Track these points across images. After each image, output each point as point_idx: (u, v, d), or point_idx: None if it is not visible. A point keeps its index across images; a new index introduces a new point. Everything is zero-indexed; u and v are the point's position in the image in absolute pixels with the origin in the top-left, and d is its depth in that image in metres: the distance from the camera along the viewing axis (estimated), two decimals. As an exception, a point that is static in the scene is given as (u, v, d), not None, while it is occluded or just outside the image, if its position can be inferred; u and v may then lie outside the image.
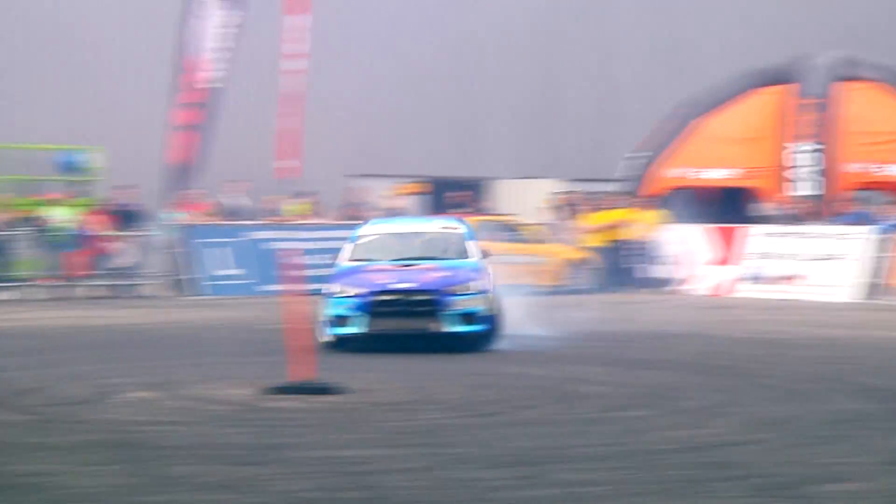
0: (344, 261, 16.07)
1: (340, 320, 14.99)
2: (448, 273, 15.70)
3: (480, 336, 15.38)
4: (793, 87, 29.49)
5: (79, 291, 24.41)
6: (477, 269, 15.98)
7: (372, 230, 16.95)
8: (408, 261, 15.81)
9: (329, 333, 15.09)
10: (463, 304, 15.29)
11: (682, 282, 27.15)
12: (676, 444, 9.25)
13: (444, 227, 17.22)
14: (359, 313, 14.89)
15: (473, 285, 15.53)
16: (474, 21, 36.20)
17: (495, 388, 12.15)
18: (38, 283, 24.00)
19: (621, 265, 27.40)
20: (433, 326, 15.22)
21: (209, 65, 25.52)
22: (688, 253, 27.36)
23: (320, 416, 10.44)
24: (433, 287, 15.32)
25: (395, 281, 15.36)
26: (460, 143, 35.95)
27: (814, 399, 11.59)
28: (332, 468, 8.30)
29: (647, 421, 10.39)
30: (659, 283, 27.10)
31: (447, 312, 15.17)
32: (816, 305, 23.68)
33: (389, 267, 15.68)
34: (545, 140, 37.45)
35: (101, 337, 17.44)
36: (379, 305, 15.00)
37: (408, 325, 15.13)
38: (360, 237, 16.52)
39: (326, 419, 10.31)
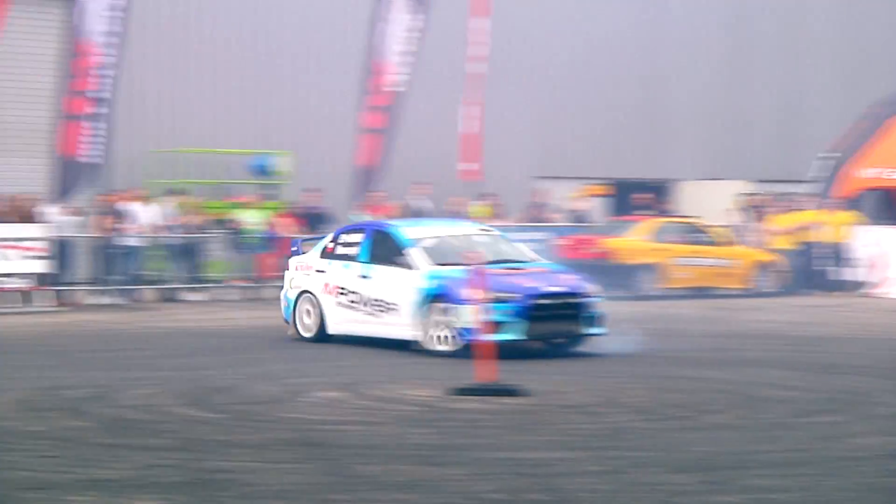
0: (423, 262, 15.36)
1: (496, 326, 14.31)
2: (571, 276, 15.79)
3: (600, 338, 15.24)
4: None
5: (268, 293, 24.95)
6: (567, 272, 16.03)
7: (422, 233, 16.09)
8: (505, 265, 15.48)
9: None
10: (596, 306, 15.32)
11: (875, 285, 26.42)
12: (870, 452, 9.00)
13: (482, 231, 17.14)
14: (517, 319, 14.63)
15: (592, 288, 15.48)
16: (660, 21, 35.84)
17: (679, 392, 12.00)
18: (229, 284, 24.62)
19: (811, 268, 26.80)
20: (575, 329, 15.23)
21: (394, 68, 25.84)
22: (881, 255, 26.61)
23: (504, 418, 10.46)
24: (577, 290, 15.34)
25: (543, 285, 15.16)
26: (645, 145, 35.63)
27: None
28: (515, 470, 8.30)
29: (838, 427, 10.13)
30: (851, 287, 26.43)
31: (586, 315, 15.14)
32: None
33: (504, 271, 15.35)
34: (732, 140, 36.87)
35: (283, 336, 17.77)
36: (537, 310, 14.87)
37: (558, 328, 15.09)
38: (419, 240, 15.71)
39: (510, 421, 10.33)
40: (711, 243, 26.12)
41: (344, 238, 16.70)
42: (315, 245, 17.25)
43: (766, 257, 26.63)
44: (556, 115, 34.08)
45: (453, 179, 28.64)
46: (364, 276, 15.97)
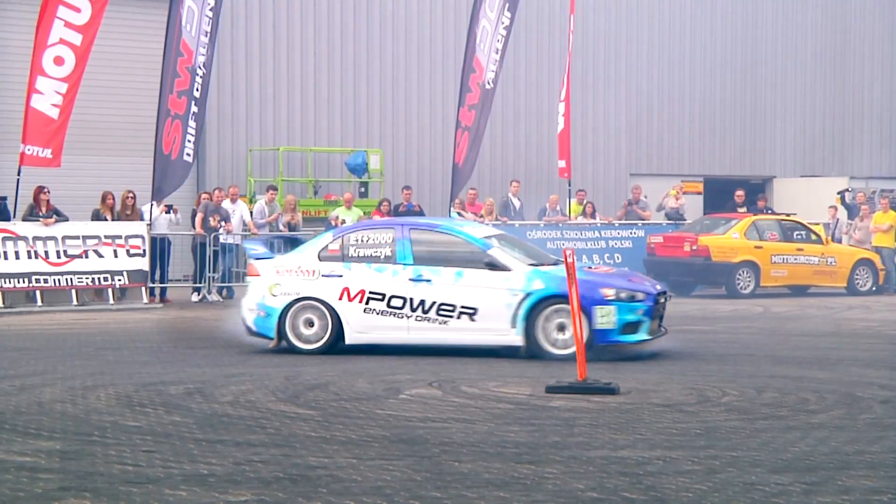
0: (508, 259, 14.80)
1: (630, 327, 14.35)
2: (638, 275, 16.12)
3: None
4: None
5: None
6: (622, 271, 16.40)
7: (481, 231, 15.53)
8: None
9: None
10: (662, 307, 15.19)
11: (979, 283, 25.89)
12: (974, 454, 8.82)
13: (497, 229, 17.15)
14: (647, 318, 14.51)
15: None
16: (757, 14, 35.45)
17: (776, 391, 11.85)
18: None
19: (914, 266, 26.35)
20: (660, 327, 15.16)
21: (485, 66, 25.88)
22: None
23: (600, 416, 10.41)
24: (664, 289, 15.36)
25: (650, 284, 15.17)
26: (742, 141, 35.29)
27: None
28: (611, 468, 8.26)
29: (941, 428, 9.94)
30: (954, 285, 25.94)
31: (658, 314, 15.02)
32: None
33: (604, 270, 15.71)
34: (831, 136, 36.38)
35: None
36: (657, 309, 14.84)
37: (652, 327, 14.87)
38: (488, 238, 15.09)
39: (606, 419, 10.28)
40: (809, 241, 25.78)
41: (354, 238, 15.14)
42: (294, 248, 15.77)
43: (866, 255, 26.20)
44: (651, 111, 33.88)
45: (542, 177, 28.61)
46: (418, 280, 14.74)
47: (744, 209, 27.55)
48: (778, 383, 12.35)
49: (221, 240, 23.36)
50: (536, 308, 14.41)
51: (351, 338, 14.86)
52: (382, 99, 30.42)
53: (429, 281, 14.72)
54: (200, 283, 23.24)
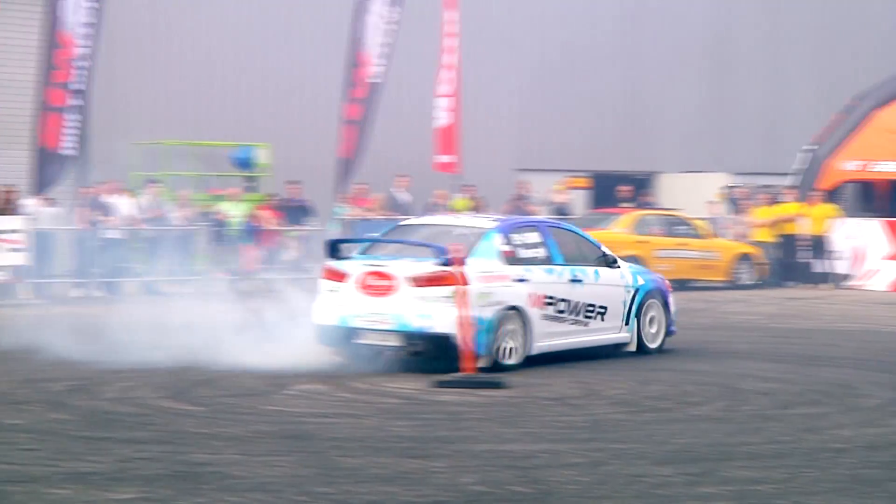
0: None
1: None
2: None
3: None
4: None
5: (252, 285, 24.90)
6: None
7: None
8: None
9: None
10: None
11: (857, 277, 26.50)
12: (851, 443, 9.03)
13: None
14: None
15: None
16: (642, 14, 35.88)
17: (660, 384, 12.02)
18: (214, 276, 24.55)
19: (793, 260, 26.87)
20: None
21: (373, 60, 25.84)
22: (863, 248, 26.69)
23: (488, 410, 10.47)
24: None
25: None
26: (626, 137, 35.67)
27: None
28: (498, 462, 8.31)
29: (821, 419, 10.16)
30: (833, 279, 26.50)
31: None
32: None
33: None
34: (714, 133, 36.94)
35: (272, 330, 17.71)
36: None
37: None
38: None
39: (494, 413, 10.33)
40: (693, 236, 26.16)
41: (516, 238, 13.84)
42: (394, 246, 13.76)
43: (747, 250, 26.68)
44: (537, 107, 34.10)
45: (431, 172, 28.66)
46: (575, 280, 13.90)
47: (628, 204, 27.86)
48: (662, 376, 12.52)
49: (105, 235, 23.02)
50: (642, 303, 14.52)
51: (534, 348, 13.41)
52: (269, 92, 30.18)
53: (581, 281, 14.02)
54: (83, 278, 22.86)
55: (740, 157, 36.62)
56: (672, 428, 9.67)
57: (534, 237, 13.96)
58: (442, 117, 27.28)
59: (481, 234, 13.62)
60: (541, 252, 13.85)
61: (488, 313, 12.82)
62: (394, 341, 12.81)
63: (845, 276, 26.62)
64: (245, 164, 27.91)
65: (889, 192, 30.98)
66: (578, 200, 31.51)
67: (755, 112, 37.40)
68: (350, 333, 12.95)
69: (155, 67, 28.64)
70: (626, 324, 14.35)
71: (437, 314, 12.60)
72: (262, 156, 28.10)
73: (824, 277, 26.51)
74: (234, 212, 25.01)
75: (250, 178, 28.26)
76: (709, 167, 35.46)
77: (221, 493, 7.41)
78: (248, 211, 25.34)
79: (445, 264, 12.65)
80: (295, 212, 25.76)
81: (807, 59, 38.03)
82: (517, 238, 13.78)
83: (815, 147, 30.07)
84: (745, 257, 26.52)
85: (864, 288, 25.84)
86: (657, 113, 35.96)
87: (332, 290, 13.30)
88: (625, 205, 27.83)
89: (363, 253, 13.74)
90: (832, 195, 29.13)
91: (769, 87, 37.65)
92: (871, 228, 26.85)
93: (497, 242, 13.55)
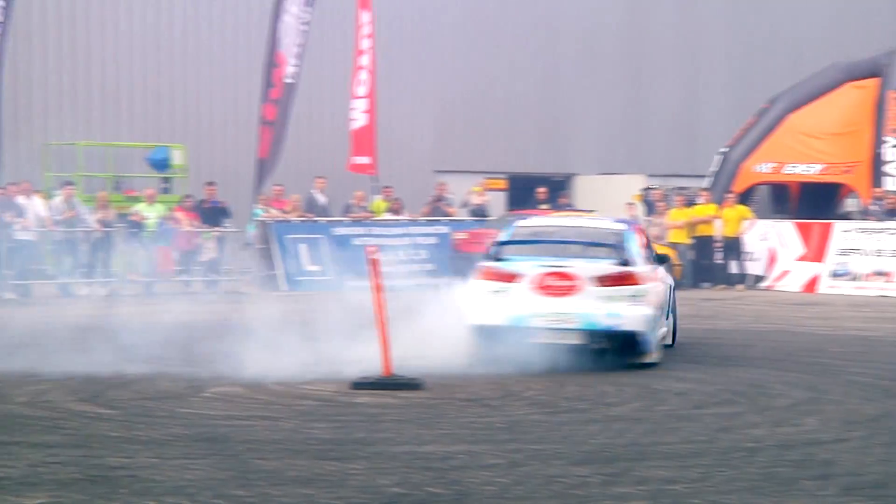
0: None
1: None
2: None
3: None
4: (885, 81, 29.07)
5: (169, 287, 24.70)
6: None
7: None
8: None
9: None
10: None
11: (770, 278, 26.85)
12: (764, 442, 9.14)
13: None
14: None
15: None
16: (557, 17, 36.08)
17: (577, 385, 12.08)
18: (129, 278, 24.31)
19: (708, 262, 27.16)
20: None
21: (289, 61, 25.74)
22: (777, 249, 27.05)
23: (405, 412, 10.46)
24: None
25: None
26: (543, 140, 35.89)
27: (905, 397, 11.40)
28: (416, 463, 8.30)
29: (734, 418, 10.28)
30: (746, 280, 26.83)
31: None
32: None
33: None
34: (630, 136, 37.26)
35: (189, 332, 17.59)
36: None
37: None
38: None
39: (412, 414, 10.33)
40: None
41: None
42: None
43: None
44: (455, 109, 34.20)
45: (348, 173, 28.60)
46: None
47: (545, 206, 28.00)
48: (579, 377, 12.58)
49: (18, 236, 22.68)
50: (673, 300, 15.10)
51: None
52: (185, 93, 29.97)
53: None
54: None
55: (656, 160, 36.97)
56: (589, 428, 9.73)
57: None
58: (358, 118, 27.23)
59: (622, 235, 14.16)
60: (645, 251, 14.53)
61: (658, 310, 13.59)
62: (576, 339, 13.11)
63: (759, 278, 26.97)
64: (161, 165, 27.67)
65: (801, 194, 31.44)
66: (495, 202, 31.63)
67: (671, 115, 37.77)
68: (524, 333, 13.00)
69: (68, 67, 28.31)
70: (667, 318, 14.70)
71: (625, 312, 13.09)
72: (177, 157, 27.88)
73: (739, 279, 26.83)
74: (150, 213, 24.77)
75: (166, 180, 28.02)
76: (625, 169, 35.75)
77: (136, 497, 7.33)
78: (164, 212, 25.12)
79: (624, 264, 13.36)
80: (212, 213, 25.58)
81: (722, 62, 38.50)
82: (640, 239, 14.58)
83: (729, 150, 30.43)
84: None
85: (778, 289, 26.20)
86: (573, 115, 36.21)
87: (498, 291, 13.42)
88: (542, 207, 27.96)
89: (496, 255, 13.89)
90: (746, 197, 29.50)
91: (684, 90, 38.04)
92: (784, 230, 27.22)
93: (637, 242, 14.21)
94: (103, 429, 9.56)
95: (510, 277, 13.42)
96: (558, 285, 13.23)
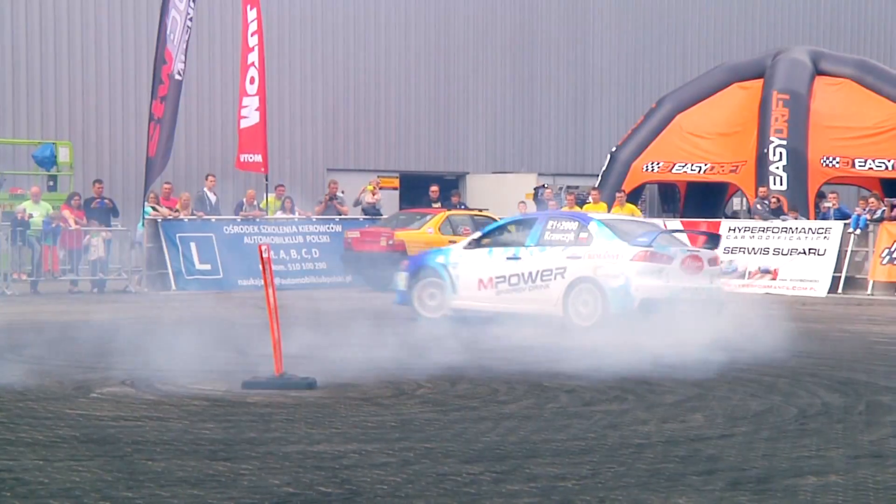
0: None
1: None
2: None
3: None
4: (769, 82, 29.60)
5: (55, 286, 24.33)
6: None
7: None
8: None
9: None
10: None
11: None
12: (653, 439, 9.26)
13: None
14: None
15: None
16: (452, 15, 36.19)
17: (469, 383, 12.13)
18: (14, 277, 23.89)
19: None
20: None
21: (175, 57, 25.47)
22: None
23: (297, 411, 10.41)
24: None
25: None
26: (436, 138, 35.98)
27: (790, 393, 11.62)
28: (307, 462, 8.27)
29: (622, 415, 10.39)
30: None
31: None
32: (793, 299, 23.77)
33: None
34: (522, 135, 37.51)
35: (76, 332, 17.36)
36: None
37: None
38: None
39: (303, 414, 10.29)
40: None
41: None
42: None
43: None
44: (346, 106, 34.15)
45: (239, 171, 28.41)
46: None
47: (438, 204, 28.09)
48: (471, 375, 12.63)
49: None
50: None
51: None
52: (72, 88, 29.52)
53: None
54: None
55: (545, 158, 37.26)
56: (480, 426, 9.77)
57: None
58: (249, 116, 27.01)
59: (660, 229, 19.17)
60: None
61: None
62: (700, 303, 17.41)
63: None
64: (46, 162, 27.23)
65: (689, 193, 31.92)
66: (388, 201, 31.65)
67: (561, 114, 38.10)
68: (673, 302, 17.27)
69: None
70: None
71: (722, 284, 18.59)
72: (64, 154, 27.45)
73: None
74: (36, 211, 24.36)
75: (52, 177, 27.57)
76: (515, 168, 35.97)
77: (20, 500, 7.20)
78: (50, 211, 24.72)
79: (714, 248, 18.97)
80: (100, 212, 25.24)
81: (611, 62, 38.91)
82: None
83: (619, 149, 30.78)
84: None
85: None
86: (465, 113, 36.37)
87: (657, 272, 17.49)
88: (434, 205, 28.04)
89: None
90: (635, 196, 29.87)
91: (574, 89, 38.40)
92: (672, 228, 27.58)
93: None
94: (-13, 431, 9.37)
95: (668, 260, 17.58)
96: (694, 266, 17.76)
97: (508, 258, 18.21)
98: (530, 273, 17.94)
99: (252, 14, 26.84)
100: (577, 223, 18.17)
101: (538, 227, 18.31)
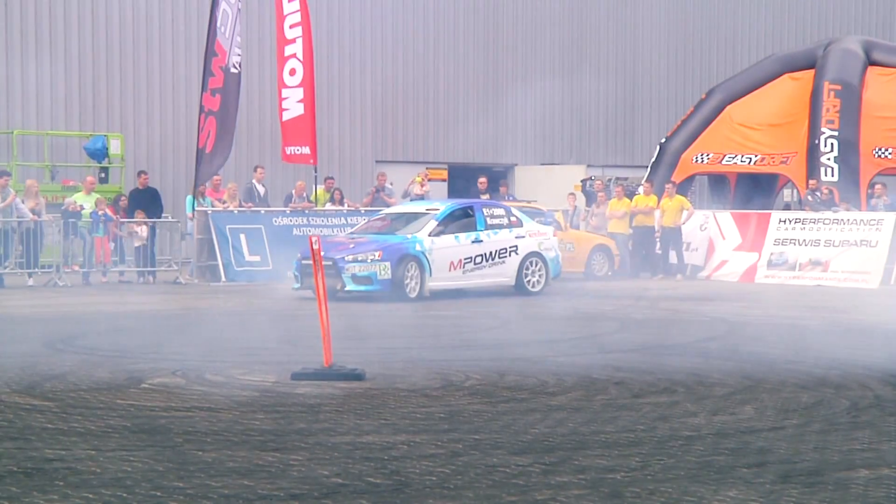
0: None
1: None
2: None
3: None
4: (821, 72, 29.34)
5: (105, 277, 24.52)
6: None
7: None
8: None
9: None
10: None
11: (709, 268, 27.06)
12: (701, 431, 9.21)
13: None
14: None
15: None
16: (501, 6, 36.14)
17: (517, 374, 12.12)
18: (65, 268, 24.10)
19: (648, 252, 27.34)
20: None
21: (227, 50, 25.55)
22: (715, 239, 27.26)
23: (346, 402, 10.44)
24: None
25: None
26: (484, 130, 35.95)
27: (842, 385, 11.52)
28: (356, 453, 8.29)
29: (672, 407, 10.35)
30: (686, 270, 27.02)
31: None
32: (844, 292, 23.58)
33: None
34: (570, 126, 37.41)
35: (127, 323, 17.50)
36: None
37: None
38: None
39: (352, 405, 10.31)
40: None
41: None
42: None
43: (602, 241, 27.04)
44: (396, 99, 34.18)
45: (291, 164, 28.48)
46: None
47: (486, 196, 28.05)
48: (519, 367, 12.62)
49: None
50: None
51: None
52: (123, 81, 29.71)
53: None
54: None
55: (594, 151, 37.14)
56: (529, 418, 9.75)
57: None
58: (290, 108, 27.01)
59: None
60: None
61: None
62: None
63: (697, 267, 27.18)
64: (98, 154, 27.43)
65: (739, 184, 31.71)
66: (436, 192, 31.65)
67: (611, 105, 37.96)
68: None
69: (3, 56, 27.97)
70: None
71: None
72: (115, 146, 27.64)
73: (678, 269, 27.03)
74: (86, 203, 24.55)
75: (104, 169, 27.77)
76: (564, 160, 35.87)
77: (72, 489, 7.27)
78: (102, 202, 24.90)
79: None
80: (149, 203, 25.39)
81: (661, 53, 38.73)
82: None
83: (669, 140, 30.62)
84: (600, 249, 26.88)
85: (716, 279, 26.41)
86: (514, 105, 36.31)
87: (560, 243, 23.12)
88: (483, 196, 27.99)
89: None
90: (685, 187, 29.71)
91: (624, 81, 38.25)
92: (723, 220, 27.45)
93: None
94: (39, 420, 9.46)
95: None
96: None
97: (473, 241, 21.41)
98: (490, 252, 21.57)
99: (291, 6, 26.74)
100: (502, 209, 22.45)
101: (479, 213, 21.82)
